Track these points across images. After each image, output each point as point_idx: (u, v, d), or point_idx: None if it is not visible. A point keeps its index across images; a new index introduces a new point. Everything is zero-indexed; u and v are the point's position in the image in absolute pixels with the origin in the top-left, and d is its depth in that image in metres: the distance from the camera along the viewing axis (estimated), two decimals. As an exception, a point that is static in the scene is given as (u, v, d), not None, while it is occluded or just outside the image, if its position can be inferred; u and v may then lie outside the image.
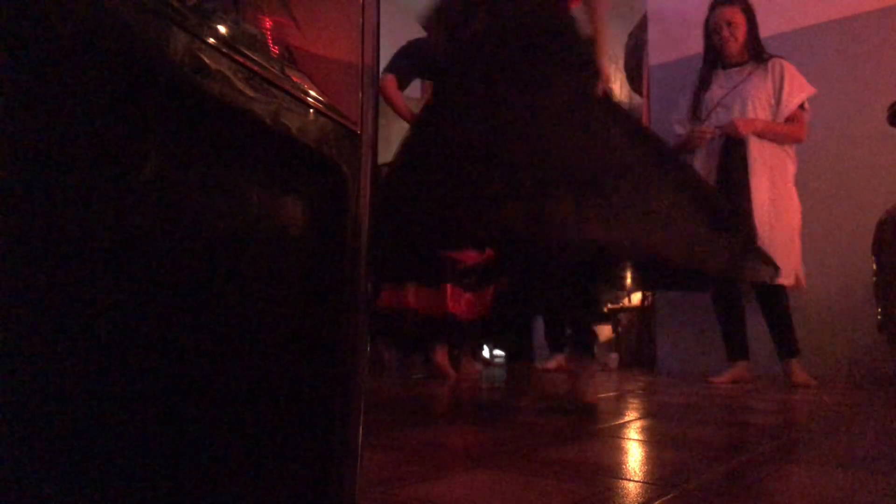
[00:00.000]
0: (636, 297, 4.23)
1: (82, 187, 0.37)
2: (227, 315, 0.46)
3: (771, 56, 2.83)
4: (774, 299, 2.74)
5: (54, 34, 0.36)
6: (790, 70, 2.77)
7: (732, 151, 2.74)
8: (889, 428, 1.60)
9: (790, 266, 2.69)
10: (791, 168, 2.80)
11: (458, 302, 3.04)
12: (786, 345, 2.74)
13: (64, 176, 0.37)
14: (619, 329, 4.18)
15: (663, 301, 3.57)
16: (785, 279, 2.65)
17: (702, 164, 2.83)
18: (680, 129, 2.97)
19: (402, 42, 3.12)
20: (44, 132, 0.36)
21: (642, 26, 4.05)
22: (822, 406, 2.03)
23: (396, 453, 1.18)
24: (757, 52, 2.84)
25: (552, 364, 3.41)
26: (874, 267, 2.47)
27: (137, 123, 0.40)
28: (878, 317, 2.49)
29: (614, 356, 3.83)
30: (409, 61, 3.09)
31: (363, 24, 0.59)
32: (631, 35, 4.41)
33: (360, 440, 0.57)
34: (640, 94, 4.26)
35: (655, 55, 3.75)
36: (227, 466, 0.46)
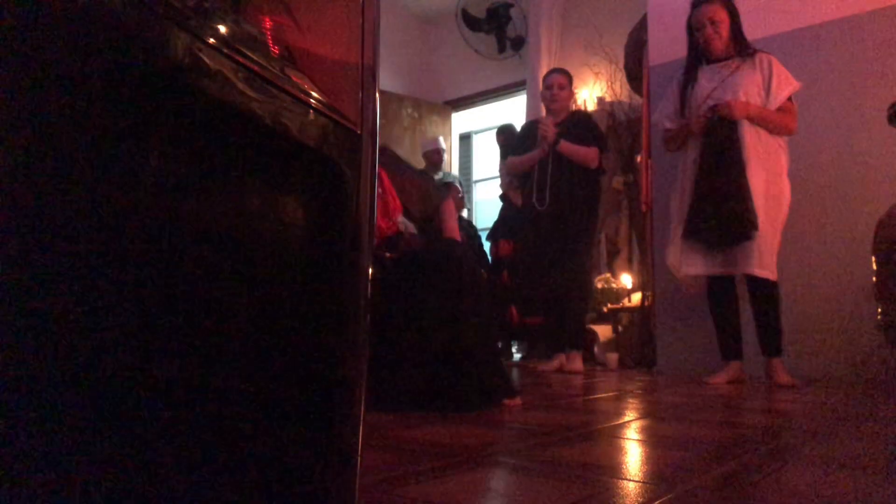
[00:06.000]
0: (636, 297, 4.23)
1: (82, 187, 0.37)
2: (226, 315, 0.46)
3: (756, 50, 2.84)
4: (765, 294, 2.72)
5: (55, 34, 0.36)
6: (777, 63, 2.79)
7: (723, 136, 2.72)
8: (888, 429, 1.60)
9: (773, 260, 2.69)
10: (784, 159, 2.79)
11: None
12: (771, 343, 2.72)
13: (64, 176, 0.37)
14: (619, 329, 4.18)
15: (663, 301, 3.57)
16: (767, 272, 2.65)
17: (695, 155, 2.82)
18: (669, 124, 2.99)
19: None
20: (44, 132, 0.36)
21: (642, 26, 4.05)
22: (822, 406, 2.03)
23: (396, 453, 1.18)
24: (742, 47, 2.85)
25: (554, 364, 3.40)
26: (874, 267, 2.48)
27: (137, 123, 0.40)
28: (878, 317, 2.49)
29: (614, 356, 3.82)
30: None
31: (363, 24, 0.59)
32: (631, 35, 4.41)
33: (360, 440, 0.57)
34: (640, 94, 4.27)
35: (655, 55, 3.75)
36: (226, 467, 0.46)
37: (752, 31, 2.93)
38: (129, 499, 0.40)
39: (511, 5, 5.49)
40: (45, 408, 0.36)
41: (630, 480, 0.98)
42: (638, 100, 4.38)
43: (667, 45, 3.68)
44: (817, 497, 0.90)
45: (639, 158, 4.27)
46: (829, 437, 1.46)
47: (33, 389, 0.36)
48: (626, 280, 4.57)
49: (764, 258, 2.65)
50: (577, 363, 3.39)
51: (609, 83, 5.09)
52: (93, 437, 0.38)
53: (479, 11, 5.54)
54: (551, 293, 3.46)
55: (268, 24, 0.49)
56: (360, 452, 0.57)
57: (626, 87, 4.71)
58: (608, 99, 5.10)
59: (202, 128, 0.45)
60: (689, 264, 2.82)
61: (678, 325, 3.45)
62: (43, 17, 0.35)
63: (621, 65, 4.64)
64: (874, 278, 2.49)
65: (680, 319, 3.45)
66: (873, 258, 2.49)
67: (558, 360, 3.45)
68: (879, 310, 2.47)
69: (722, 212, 2.67)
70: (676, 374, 3.23)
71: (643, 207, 3.91)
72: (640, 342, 3.92)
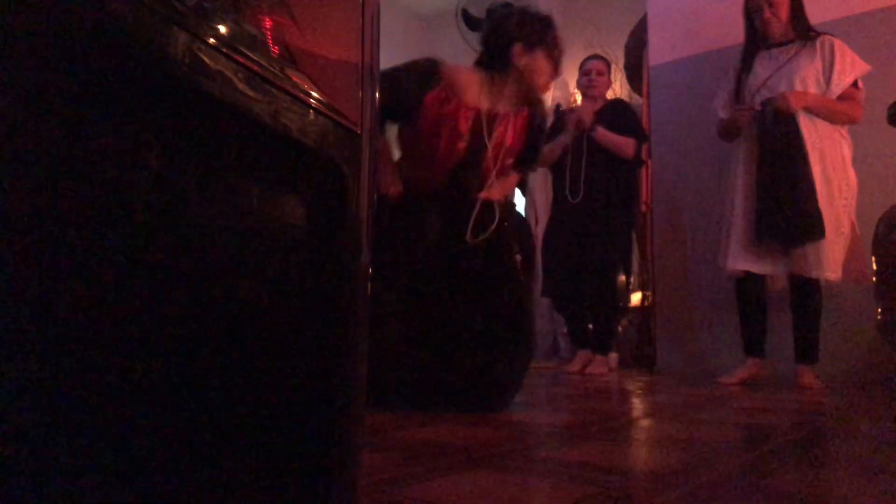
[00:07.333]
0: (636, 297, 4.23)
1: (82, 187, 0.37)
2: (226, 315, 0.46)
3: (819, 33, 2.66)
4: (808, 296, 2.58)
5: (54, 34, 0.36)
6: (841, 47, 2.60)
7: (781, 131, 2.55)
8: (889, 429, 1.60)
9: (836, 258, 2.52)
10: (846, 150, 2.61)
11: None
12: (808, 349, 2.59)
13: (64, 176, 0.37)
14: (619, 329, 4.17)
15: (663, 301, 3.57)
16: (830, 273, 2.50)
17: (747, 148, 2.69)
18: (723, 114, 2.82)
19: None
20: (43, 132, 0.36)
21: (642, 26, 4.05)
22: (823, 407, 2.03)
23: (396, 453, 1.18)
24: (803, 30, 2.67)
25: (577, 365, 3.31)
26: (874, 267, 2.48)
27: (137, 123, 0.40)
28: (878, 317, 2.49)
29: (614, 356, 3.82)
30: None
31: (363, 24, 0.59)
32: (631, 35, 4.41)
33: (360, 440, 0.57)
34: (640, 94, 4.26)
35: (655, 55, 3.75)
36: (226, 467, 0.46)
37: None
38: (129, 499, 0.40)
39: (511, 5, 5.49)
40: (42, 408, 0.36)
41: (631, 480, 0.98)
42: (638, 100, 4.38)
43: (667, 45, 3.68)
44: (818, 497, 0.90)
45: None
46: (830, 437, 1.46)
47: (31, 390, 0.36)
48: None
49: (823, 257, 2.50)
50: (600, 366, 3.21)
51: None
52: (91, 437, 0.38)
53: (479, 11, 5.54)
54: (581, 290, 3.29)
55: (268, 24, 0.49)
56: (360, 452, 0.57)
57: (626, 87, 4.71)
58: (608, 98, 5.10)
59: (202, 128, 0.45)
60: (746, 261, 2.65)
61: (678, 325, 3.45)
62: (42, 18, 0.35)
63: (621, 65, 4.63)
64: (874, 278, 2.49)
65: (680, 319, 3.44)
66: (873, 258, 2.49)
67: (580, 360, 3.33)
68: (879, 310, 2.47)
69: (791, 213, 2.50)
70: (676, 374, 3.23)
71: (643, 207, 3.91)
72: (640, 342, 3.92)
